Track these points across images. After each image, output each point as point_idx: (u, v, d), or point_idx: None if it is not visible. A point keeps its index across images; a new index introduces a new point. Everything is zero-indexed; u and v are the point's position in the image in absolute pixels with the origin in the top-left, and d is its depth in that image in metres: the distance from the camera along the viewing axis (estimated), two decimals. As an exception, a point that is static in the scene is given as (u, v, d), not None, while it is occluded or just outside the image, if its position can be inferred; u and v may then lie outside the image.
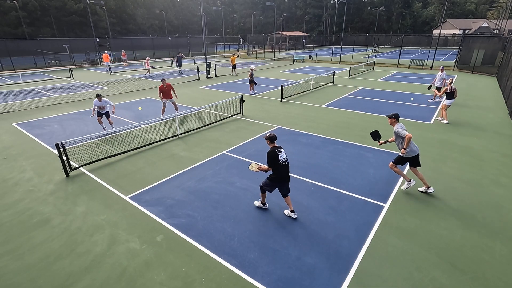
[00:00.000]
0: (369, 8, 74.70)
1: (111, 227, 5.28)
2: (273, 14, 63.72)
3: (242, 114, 12.33)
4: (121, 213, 5.69)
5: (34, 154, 8.64)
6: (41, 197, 6.34)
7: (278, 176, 5.30)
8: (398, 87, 18.30)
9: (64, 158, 7.06)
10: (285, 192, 5.47)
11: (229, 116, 12.00)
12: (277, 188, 5.49)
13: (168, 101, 11.95)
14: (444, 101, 11.12)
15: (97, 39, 36.24)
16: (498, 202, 5.94)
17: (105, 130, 10.27)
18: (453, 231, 5.08)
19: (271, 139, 5.28)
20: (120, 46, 37.26)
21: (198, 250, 4.71)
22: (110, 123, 10.60)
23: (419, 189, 6.35)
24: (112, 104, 10.22)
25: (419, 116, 12.00)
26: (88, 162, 7.74)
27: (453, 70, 25.19)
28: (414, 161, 6.15)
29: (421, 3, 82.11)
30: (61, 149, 6.93)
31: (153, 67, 25.20)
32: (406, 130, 5.93)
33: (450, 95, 10.94)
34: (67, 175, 7.19)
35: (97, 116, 10.35)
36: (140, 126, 10.77)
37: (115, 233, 5.12)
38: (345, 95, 16.11)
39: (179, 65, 25.91)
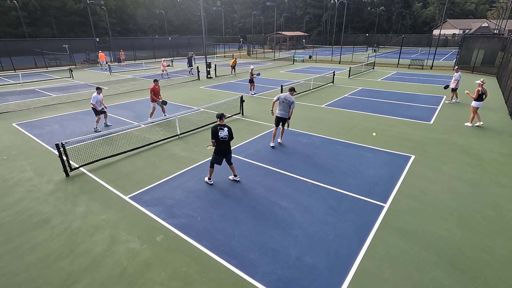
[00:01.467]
0: (369, 8, 74.70)
1: (111, 227, 5.28)
2: (273, 14, 63.74)
3: (242, 114, 12.33)
4: (121, 213, 5.69)
5: (34, 154, 8.64)
6: (41, 197, 6.34)
7: (219, 150, 6.34)
8: (398, 87, 18.30)
9: (64, 158, 7.06)
10: (229, 163, 6.68)
11: (229, 116, 11.99)
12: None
13: (155, 104, 11.56)
14: (472, 103, 10.74)
15: (97, 39, 36.22)
16: (498, 202, 5.93)
17: (97, 129, 10.44)
18: (453, 231, 5.08)
19: (217, 116, 6.42)
20: (120, 46, 37.28)
21: (198, 250, 4.71)
22: (106, 117, 10.90)
23: (275, 142, 8.88)
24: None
25: (419, 116, 12.00)
26: (88, 162, 7.74)
27: (453, 70, 25.14)
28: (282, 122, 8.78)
29: (421, 3, 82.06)
30: (61, 149, 6.93)
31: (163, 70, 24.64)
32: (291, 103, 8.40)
33: (480, 96, 10.51)
34: (67, 175, 7.19)
35: (97, 115, 10.47)
36: (140, 126, 10.77)
37: (115, 233, 5.12)
38: (345, 95, 16.11)
39: (190, 65, 26.02)
